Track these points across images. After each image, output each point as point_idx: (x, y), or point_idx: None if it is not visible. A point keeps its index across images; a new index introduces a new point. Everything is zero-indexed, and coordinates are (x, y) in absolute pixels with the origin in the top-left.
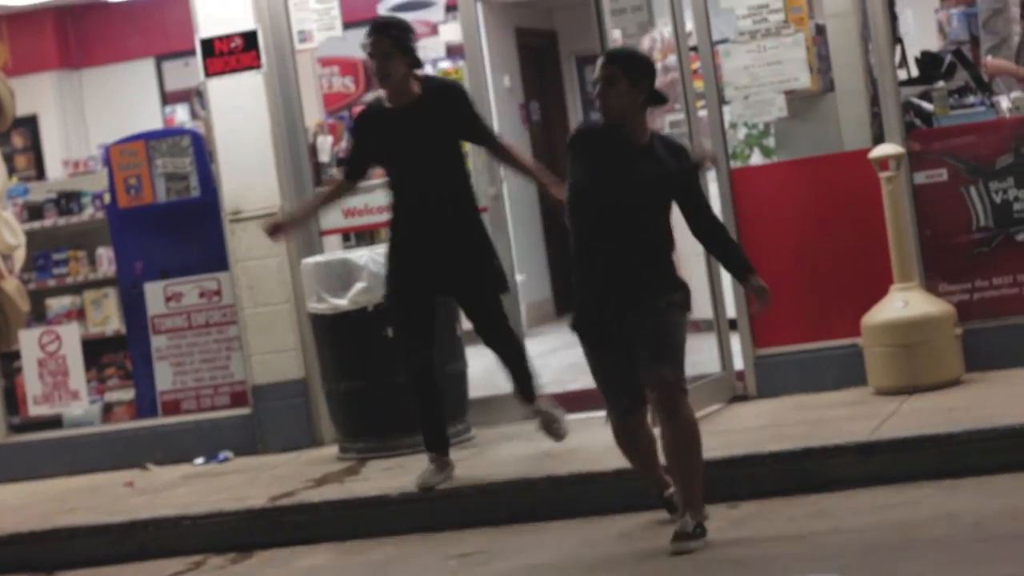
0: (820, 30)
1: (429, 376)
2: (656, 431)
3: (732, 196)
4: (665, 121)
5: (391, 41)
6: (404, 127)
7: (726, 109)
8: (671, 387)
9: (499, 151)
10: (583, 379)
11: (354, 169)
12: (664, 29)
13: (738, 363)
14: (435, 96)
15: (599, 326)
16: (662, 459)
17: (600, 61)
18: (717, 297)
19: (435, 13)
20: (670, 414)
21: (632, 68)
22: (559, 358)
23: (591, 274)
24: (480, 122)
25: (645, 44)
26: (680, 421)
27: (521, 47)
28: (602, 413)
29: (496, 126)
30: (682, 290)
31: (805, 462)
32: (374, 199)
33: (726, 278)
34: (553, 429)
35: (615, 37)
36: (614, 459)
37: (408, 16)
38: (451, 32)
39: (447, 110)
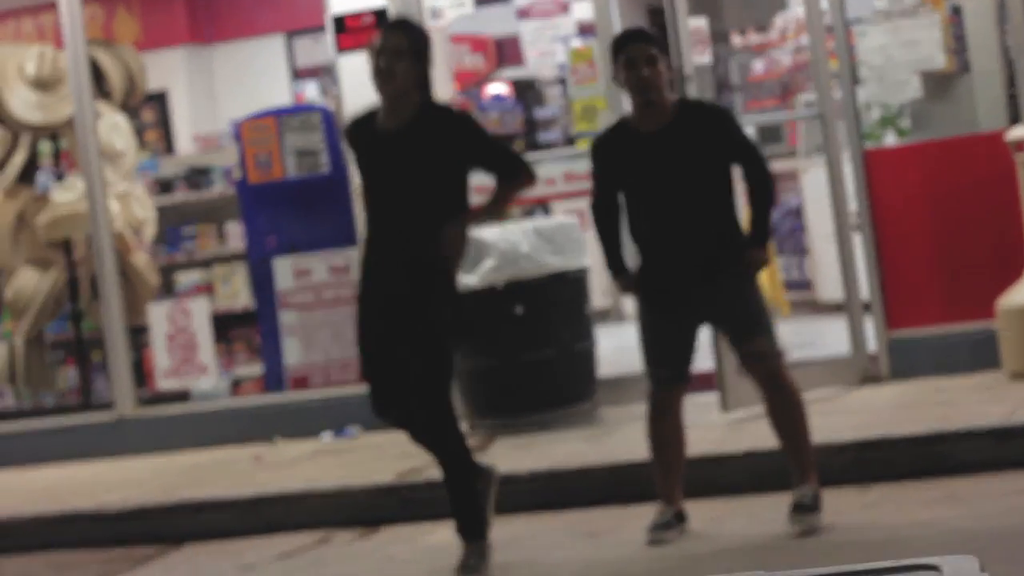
0: (956, 10)
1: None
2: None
3: (866, 177)
4: (799, 101)
5: (408, 41)
6: (393, 149)
7: (860, 90)
8: (772, 357)
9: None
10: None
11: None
12: (797, 8)
13: (871, 345)
14: (439, 122)
15: (664, 293)
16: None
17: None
18: (849, 278)
19: None
20: (775, 385)
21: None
22: None
23: (652, 244)
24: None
25: (778, 24)
26: (785, 391)
27: (654, 25)
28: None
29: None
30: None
31: (938, 446)
32: None
33: (859, 259)
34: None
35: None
36: (743, 440)
37: None
38: (583, 10)
39: (451, 137)
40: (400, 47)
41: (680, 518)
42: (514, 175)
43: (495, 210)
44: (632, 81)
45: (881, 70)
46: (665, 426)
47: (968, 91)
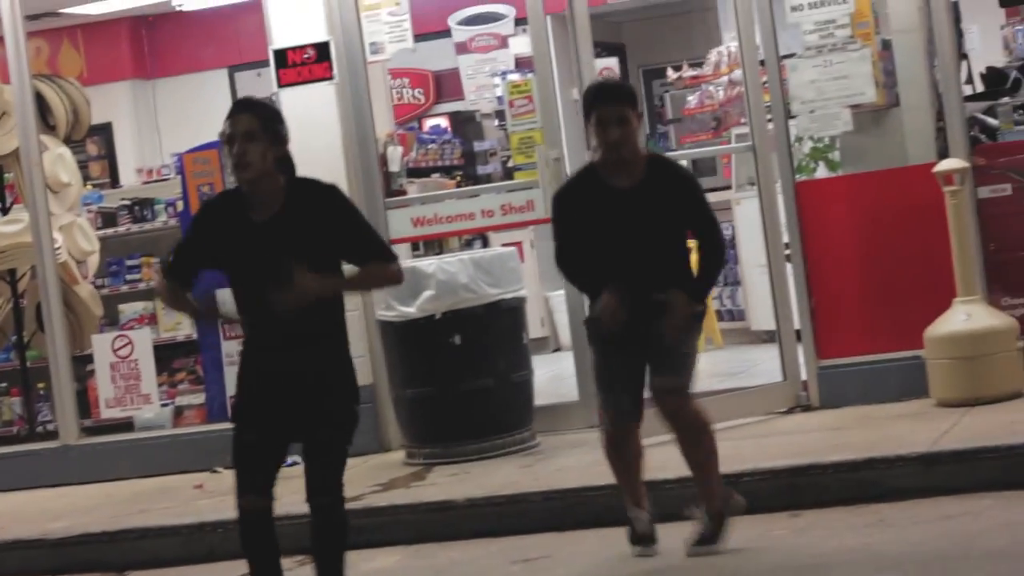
0: (886, 45)
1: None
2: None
3: (797, 209)
4: (732, 135)
5: (260, 122)
6: (267, 238)
7: (791, 123)
8: (672, 392)
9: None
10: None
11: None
12: (731, 43)
13: (802, 374)
14: (312, 202)
15: (621, 332)
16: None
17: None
18: (781, 306)
19: (505, 26)
20: (673, 416)
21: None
22: None
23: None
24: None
25: (712, 58)
26: (683, 420)
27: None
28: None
29: (563, 139)
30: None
31: (867, 472)
32: (444, 208)
33: (791, 288)
34: None
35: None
36: (679, 467)
37: (478, 29)
38: (520, 45)
39: (327, 216)
40: (251, 130)
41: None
42: (387, 264)
43: (354, 287)
44: (603, 141)
45: (812, 104)
46: (629, 454)
47: (898, 125)
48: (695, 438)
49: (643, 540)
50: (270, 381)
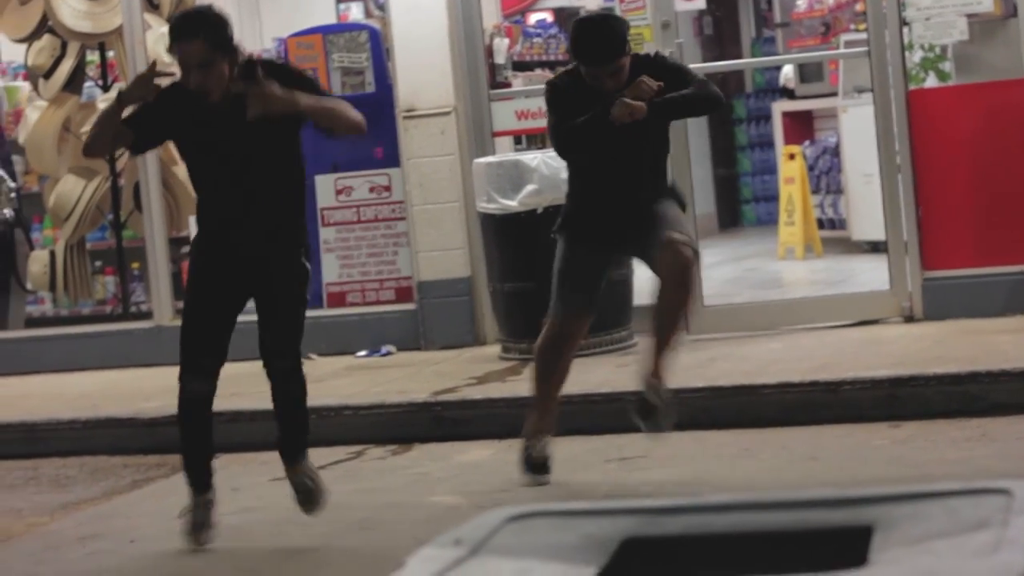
0: None
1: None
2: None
3: (908, 118)
4: (841, 40)
5: (210, 45)
6: (226, 122)
7: (905, 30)
8: (686, 244)
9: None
10: (748, 293)
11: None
12: None
13: (907, 285)
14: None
15: (592, 227)
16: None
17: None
18: (893, 216)
19: None
20: (682, 282)
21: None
22: (721, 272)
23: (593, 189)
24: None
25: None
26: (686, 293)
27: None
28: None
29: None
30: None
31: (970, 385)
32: None
33: (903, 199)
34: (308, 499)
35: None
36: (776, 372)
37: None
38: None
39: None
40: (205, 59)
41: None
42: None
43: (317, 109)
44: (598, 89)
45: (928, 11)
46: (563, 358)
47: (1015, 35)
48: (682, 296)
49: (538, 468)
50: (223, 254)
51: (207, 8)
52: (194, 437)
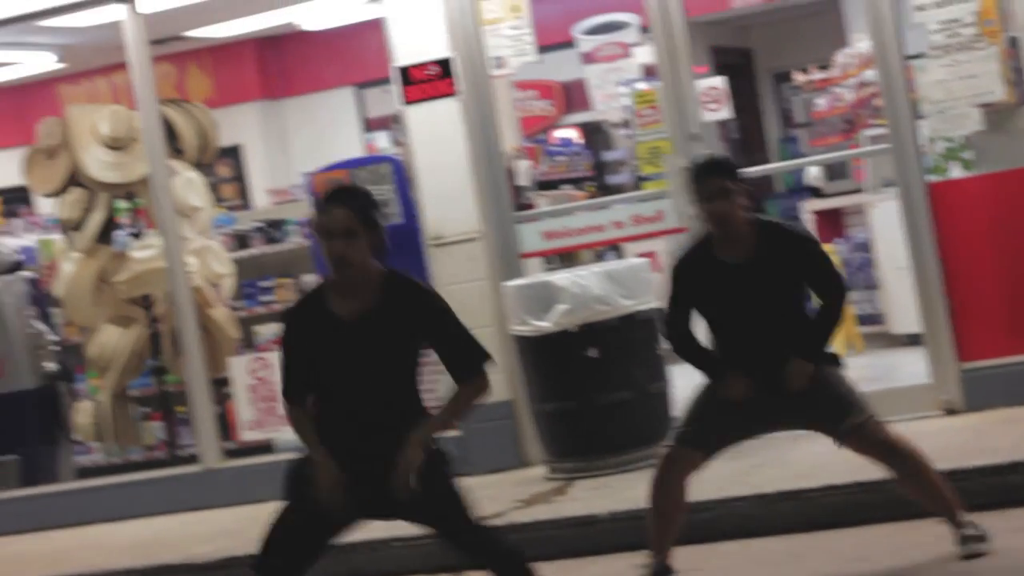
0: (1013, 43)
1: None
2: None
3: (931, 210)
4: (862, 136)
5: (356, 215)
6: (356, 336)
7: (921, 124)
8: (865, 422)
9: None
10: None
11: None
12: (860, 44)
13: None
14: (406, 300)
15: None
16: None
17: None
18: (927, 308)
19: (629, 34)
20: (884, 450)
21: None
22: None
23: (731, 361)
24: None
25: (839, 60)
26: (898, 451)
27: (717, 65)
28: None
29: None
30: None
31: (1011, 475)
32: (573, 221)
33: (936, 290)
34: None
35: None
36: (823, 475)
37: (602, 38)
38: (645, 54)
39: (418, 316)
40: (351, 228)
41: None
42: (474, 374)
43: (450, 421)
44: (707, 215)
45: (942, 104)
46: (676, 488)
47: None
48: (909, 461)
49: None
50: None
51: (359, 185)
52: None
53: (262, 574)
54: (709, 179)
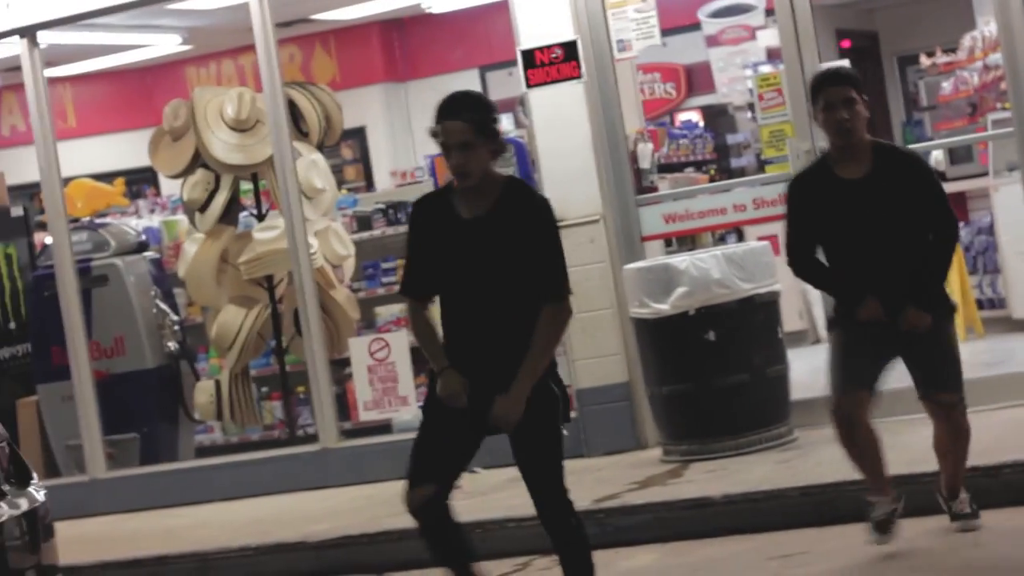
0: None
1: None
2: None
3: None
4: (988, 120)
5: (473, 126)
6: (478, 237)
7: None
8: (957, 408)
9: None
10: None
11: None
12: (986, 28)
13: None
14: (516, 206)
15: (863, 325)
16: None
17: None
18: None
19: (755, 17)
20: (954, 428)
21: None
22: None
23: (853, 283)
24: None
25: (966, 43)
26: (962, 433)
27: (842, 48)
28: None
29: (812, 131)
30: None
31: None
32: (695, 204)
33: None
34: None
35: None
36: (933, 461)
37: (728, 21)
38: (770, 36)
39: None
40: (466, 140)
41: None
42: (557, 302)
43: (539, 368)
44: (830, 124)
45: None
46: (858, 433)
47: None
48: (963, 442)
49: (880, 527)
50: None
51: (474, 93)
52: (437, 547)
53: (414, 483)
54: (833, 88)
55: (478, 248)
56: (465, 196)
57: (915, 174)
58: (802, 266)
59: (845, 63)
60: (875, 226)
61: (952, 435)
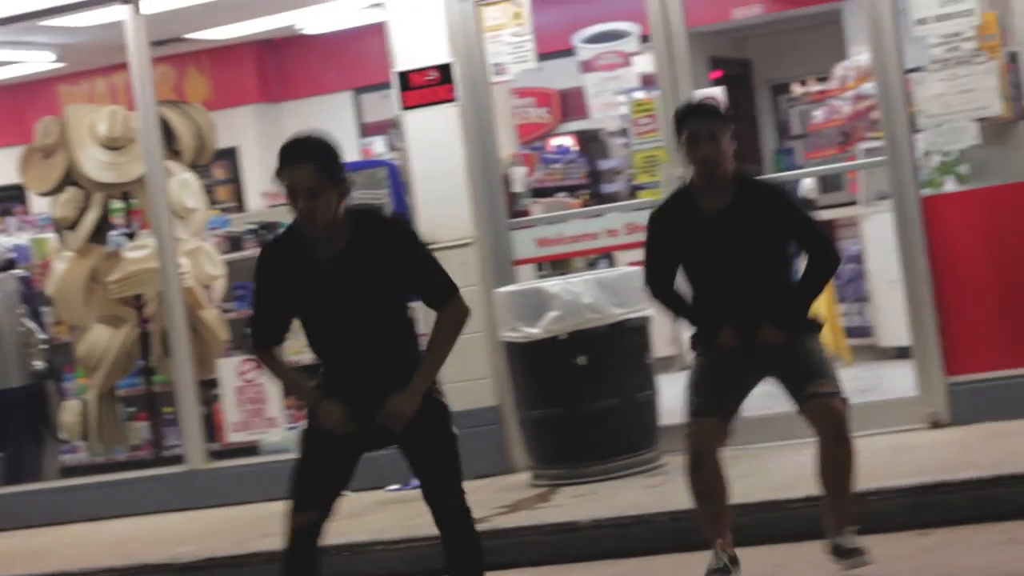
0: (1012, 58)
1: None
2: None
3: (924, 224)
4: (858, 149)
5: (319, 171)
6: (338, 276)
7: (918, 137)
8: (838, 398)
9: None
10: (780, 404)
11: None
12: (858, 57)
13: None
14: (375, 235)
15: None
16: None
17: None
18: (916, 322)
19: (629, 44)
20: (839, 435)
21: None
22: None
23: (713, 312)
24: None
25: (838, 72)
26: (846, 444)
27: (714, 76)
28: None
29: None
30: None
31: (995, 489)
32: (568, 228)
33: (927, 303)
34: None
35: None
36: (802, 486)
37: (602, 47)
38: (644, 63)
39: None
40: (314, 186)
41: (734, 562)
42: (450, 297)
43: (438, 365)
44: (694, 158)
45: (939, 118)
46: (704, 472)
47: None
48: (848, 458)
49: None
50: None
51: (318, 134)
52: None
53: (298, 507)
54: (697, 123)
55: (345, 284)
56: (316, 241)
57: (776, 204)
58: (659, 293)
59: (718, 91)
60: (734, 257)
61: (836, 445)
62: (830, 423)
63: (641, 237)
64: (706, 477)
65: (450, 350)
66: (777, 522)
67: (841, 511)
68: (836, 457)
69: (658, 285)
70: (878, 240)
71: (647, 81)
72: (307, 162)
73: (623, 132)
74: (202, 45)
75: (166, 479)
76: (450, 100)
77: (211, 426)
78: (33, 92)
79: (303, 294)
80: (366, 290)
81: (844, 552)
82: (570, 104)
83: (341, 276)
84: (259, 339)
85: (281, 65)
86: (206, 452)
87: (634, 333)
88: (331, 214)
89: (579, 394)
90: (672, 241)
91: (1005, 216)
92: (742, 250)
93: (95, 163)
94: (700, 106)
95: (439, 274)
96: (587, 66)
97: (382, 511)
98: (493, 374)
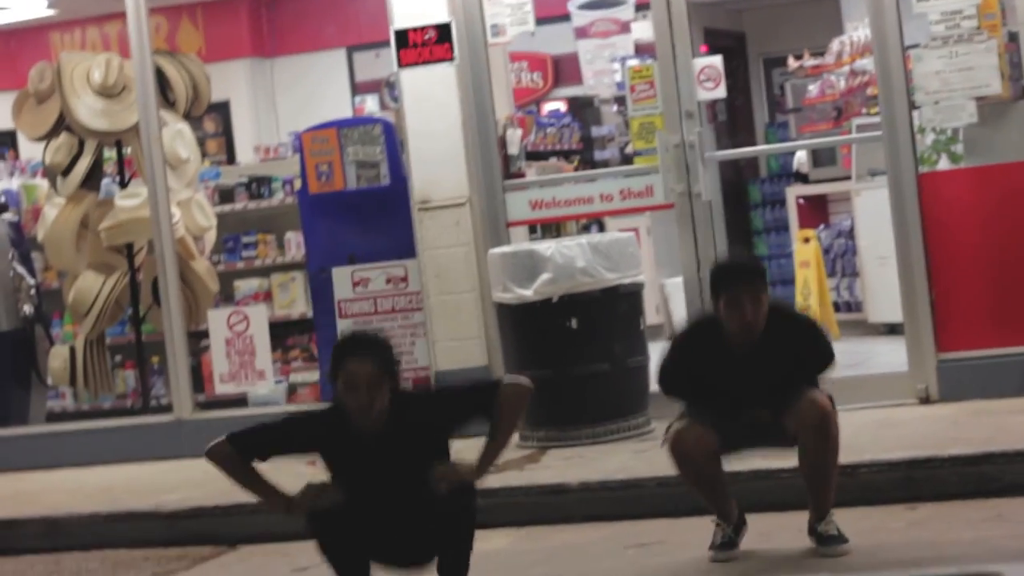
0: (1013, 37)
1: None
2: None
3: (919, 200)
4: (853, 124)
5: (379, 365)
6: (379, 451)
7: (915, 114)
8: (820, 395)
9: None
10: None
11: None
12: (855, 33)
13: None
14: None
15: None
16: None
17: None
18: (909, 298)
19: (625, 11)
20: (824, 431)
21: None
22: None
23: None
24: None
25: (834, 47)
26: (832, 440)
27: (710, 48)
28: None
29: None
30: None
31: (985, 466)
32: (562, 192)
33: (922, 279)
34: None
35: None
36: (793, 456)
37: (598, 14)
38: (640, 31)
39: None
40: (373, 377)
41: (738, 529)
42: (500, 394)
43: (502, 446)
44: (734, 320)
45: (937, 95)
46: (699, 459)
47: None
48: (833, 452)
49: (722, 547)
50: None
51: (373, 331)
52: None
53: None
54: (740, 287)
55: (386, 461)
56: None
57: (806, 342)
58: (673, 389)
59: (717, 60)
60: (755, 390)
61: (823, 448)
62: (811, 418)
63: (635, 203)
64: (697, 469)
65: (513, 431)
66: (768, 490)
67: (820, 501)
68: (819, 453)
69: (672, 383)
70: (870, 216)
71: (641, 50)
72: (367, 358)
73: (616, 100)
74: None
75: (153, 428)
76: (448, 59)
77: (199, 378)
78: (25, 39)
79: (342, 469)
80: (407, 466)
81: (825, 539)
82: (563, 70)
83: (384, 454)
84: (243, 448)
85: (274, 20)
86: (194, 403)
87: (627, 298)
88: (384, 404)
89: (570, 357)
90: (696, 363)
91: (1000, 195)
92: (766, 384)
93: (89, 110)
94: (742, 268)
95: (474, 393)
96: (581, 32)
97: None
98: (484, 334)
